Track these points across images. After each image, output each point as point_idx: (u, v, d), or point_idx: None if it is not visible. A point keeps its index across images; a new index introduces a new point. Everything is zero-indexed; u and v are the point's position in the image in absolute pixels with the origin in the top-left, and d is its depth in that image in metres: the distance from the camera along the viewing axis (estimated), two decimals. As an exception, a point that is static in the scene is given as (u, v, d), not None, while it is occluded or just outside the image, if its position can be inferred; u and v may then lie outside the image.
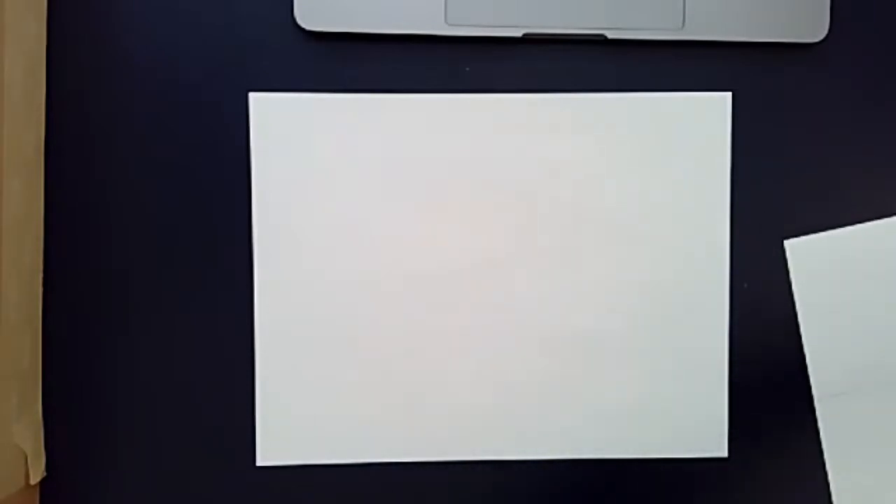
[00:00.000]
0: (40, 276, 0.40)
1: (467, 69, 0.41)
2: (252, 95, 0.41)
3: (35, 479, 0.40)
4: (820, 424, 0.42)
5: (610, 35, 0.40)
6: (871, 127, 0.42)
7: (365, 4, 0.40)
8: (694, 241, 0.42)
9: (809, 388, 0.42)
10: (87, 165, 0.41)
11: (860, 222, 0.42)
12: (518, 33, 0.40)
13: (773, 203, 0.42)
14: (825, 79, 0.42)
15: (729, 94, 0.41)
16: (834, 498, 0.42)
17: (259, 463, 0.42)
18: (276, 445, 0.41)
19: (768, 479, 0.42)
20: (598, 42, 0.41)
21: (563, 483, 0.42)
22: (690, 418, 0.42)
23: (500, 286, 0.41)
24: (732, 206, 0.42)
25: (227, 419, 0.41)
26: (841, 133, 0.42)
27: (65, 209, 0.41)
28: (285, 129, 0.41)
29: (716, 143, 0.41)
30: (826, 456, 0.42)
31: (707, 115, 0.41)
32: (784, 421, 0.42)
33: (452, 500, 0.42)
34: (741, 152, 0.42)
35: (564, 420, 0.42)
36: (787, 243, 0.41)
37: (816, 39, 0.41)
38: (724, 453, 0.42)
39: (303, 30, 0.40)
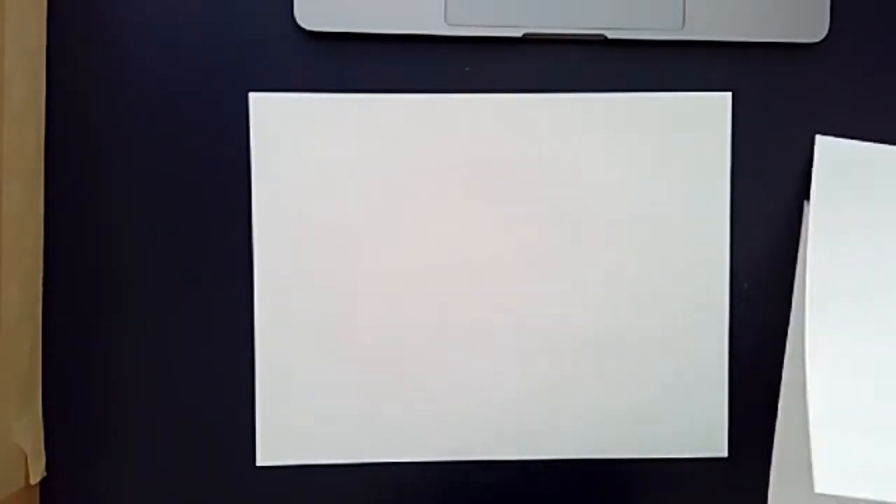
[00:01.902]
0: (40, 276, 0.40)
1: (467, 69, 0.41)
2: (252, 95, 0.41)
3: (35, 479, 0.40)
4: (807, 329, 0.40)
5: (610, 35, 0.40)
6: (871, 127, 0.42)
7: (365, 4, 0.40)
8: (694, 242, 0.42)
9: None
10: (87, 165, 0.41)
11: (860, 222, 0.42)
12: (518, 33, 0.40)
13: (773, 203, 0.42)
14: (825, 79, 0.42)
15: (729, 94, 0.41)
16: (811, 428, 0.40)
17: (259, 463, 0.42)
18: (276, 445, 0.41)
19: (768, 479, 0.42)
20: (598, 42, 0.41)
21: (563, 483, 0.42)
22: (690, 418, 0.42)
23: (499, 286, 0.41)
24: (732, 205, 0.42)
25: (227, 419, 0.41)
26: (841, 133, 0.42)
27: (65, 209, 0.41)
28: (285, 129, 0.41)
29: (716, 143, 0.41)
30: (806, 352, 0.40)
31: (707, 115, 0.41)
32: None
33: (452, 500, 0.42)
34: (741, 152, 0.42)
35: (564, 420, 0.42)
36: (818, 138, 0.40)
37: (816, 39, 0.41)
38: (724, 453, 0.42)
39: (303, 30, 0.40)
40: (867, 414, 0.39)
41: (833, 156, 0.40)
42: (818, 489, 0.37)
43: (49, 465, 0.41)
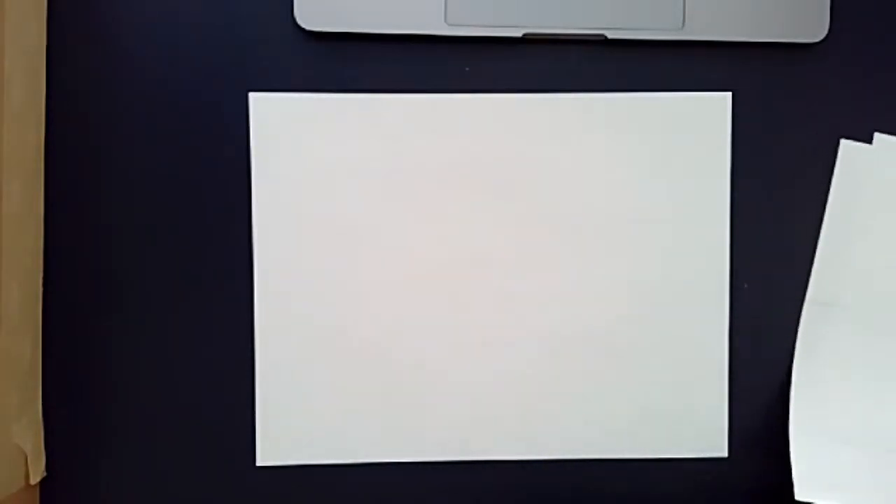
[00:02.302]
0: (40, 276, 0.40)
1: (467, 69, 0.41)
2: (252, 95, 0.41)
3: (35, 479, 0.40)
4: (800, 328, 0.41)
5: (610, 35, 0.40)
6: (871, 127, 0.42)
7: (365, 4, 0.40)
8: (694, 241, 0.42)
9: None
10: (87, 165, 0.41)
11: (860, 222, 0.42)
12: (518, 33, 0.40)
13: (773, 203, 0.42)
14: (825, 79, 0.42)
15: (729, 94, 0.41)
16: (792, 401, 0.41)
17: (259, 463, 0.42)
18: (276, 445, 0.41)
19: (768, 479, 0.42)
20: (598, 42, 0.41)
21: (563, 483, 0.42)
22: (690, 418, 0.42)
23: (499, 286, 0.41)
24: (732, 206, 0.42)
25: (227, 419, 0.41)
26: (841, 133, 0.42)
27: (65, 209, 0.41)
28: (285, 129, 0.41)
29: (716, 143, 0.42)
30: (794, 363, 0.41)
31: (707, 115, 0.41)
32: (784, 421, 0.42)
33: (452, 500, 0.42)
34: (741, 152, 0.42)
35: (564, 420, 0.42)
36: (842, 142, 0.40)
37: (816, 39, 0.41)
38: (724, 453, 0.42)
39: (303, 30, 0.40)
40: (847, 424, 0.40)
41: (856, 161, 0.40)
42: (798, 497, 0.37)
43: (49, 465, 0.41)
